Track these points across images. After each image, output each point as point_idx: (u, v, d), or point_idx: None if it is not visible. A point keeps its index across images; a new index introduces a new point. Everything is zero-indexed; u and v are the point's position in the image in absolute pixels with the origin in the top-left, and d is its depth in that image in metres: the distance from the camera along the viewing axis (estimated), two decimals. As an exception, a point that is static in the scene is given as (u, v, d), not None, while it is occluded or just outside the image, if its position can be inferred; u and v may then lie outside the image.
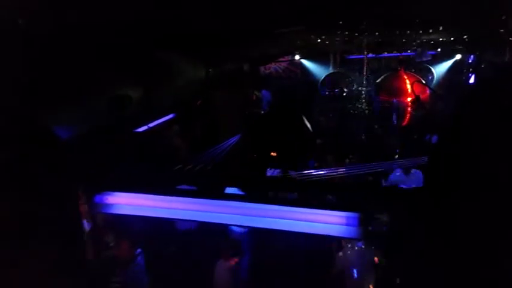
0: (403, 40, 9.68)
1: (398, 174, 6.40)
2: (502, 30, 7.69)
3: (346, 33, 9.36)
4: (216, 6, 4.52)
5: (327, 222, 3.04)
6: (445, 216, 2.55)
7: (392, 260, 3.66)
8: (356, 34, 9.34)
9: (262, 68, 13.54)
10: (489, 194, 2.21)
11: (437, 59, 11.46)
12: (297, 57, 12.77)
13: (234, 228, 4.92)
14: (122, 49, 4.74)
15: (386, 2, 5.97)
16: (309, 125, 7.90)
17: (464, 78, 10.75)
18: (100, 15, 3.74)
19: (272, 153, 7.03)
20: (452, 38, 9.84)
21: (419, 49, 9.92)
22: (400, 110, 8.15)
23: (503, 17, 7.12)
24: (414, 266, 2.84)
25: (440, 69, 11.52)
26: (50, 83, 3.82)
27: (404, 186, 6.02)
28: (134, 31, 4.52)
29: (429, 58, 10.59)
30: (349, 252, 4.54)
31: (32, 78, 3.52)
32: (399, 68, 8.78)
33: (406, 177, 6.28)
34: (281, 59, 13.38)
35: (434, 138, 6.77)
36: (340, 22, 8.25)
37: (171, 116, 7.72)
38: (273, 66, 13.96)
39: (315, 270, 4.68)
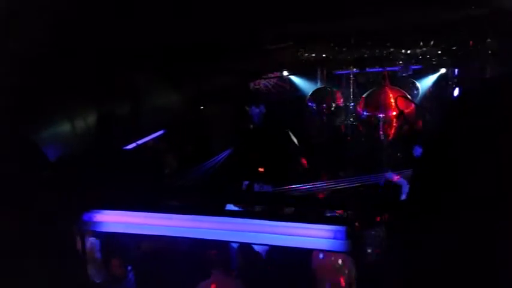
0: (388, 55, 9.90)
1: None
2: (484, 44, 7.91)
3: (334, 48, 9.57)
4: (206, 22, 4.59)
5: (315, 236, 3.07)
6: (429, 229, 2.59)
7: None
8: (343, 50, 9.54)
9: (252, 84, 13.68)
10: (474, 207, 2.27)
11: (422, 73, 11.68)
12: (285, 73, 12.95)
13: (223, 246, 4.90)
14: (110, 65, 4.78)
15: (372, 19, 6.13)
16: (295, 140, 7.98)
17: (449, 91, 10.96)
18: (90, 31, 3.79)
19: (260, 169, 7.07)
20: (437, 52, 10.09)
21: (402, 63, 10.15)
22: (386, 125, 8.28)
23: (486, 31, 7.34)
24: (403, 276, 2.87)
25: (425, 83, 11.72)
26: (39, 101, 3.84)
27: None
28: (123, 45, 4.57)
29: (411, 72, 10.80)
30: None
31: (21, 97, 3.54)
32: (383, 83, 8.94)
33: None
34: (271, 75, 13.54)
35: (419, 151, 6.89)
36: (328, 38, 8.45)
37: (160, 132, 7.72)
38: (262, 82, 14.10)
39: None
